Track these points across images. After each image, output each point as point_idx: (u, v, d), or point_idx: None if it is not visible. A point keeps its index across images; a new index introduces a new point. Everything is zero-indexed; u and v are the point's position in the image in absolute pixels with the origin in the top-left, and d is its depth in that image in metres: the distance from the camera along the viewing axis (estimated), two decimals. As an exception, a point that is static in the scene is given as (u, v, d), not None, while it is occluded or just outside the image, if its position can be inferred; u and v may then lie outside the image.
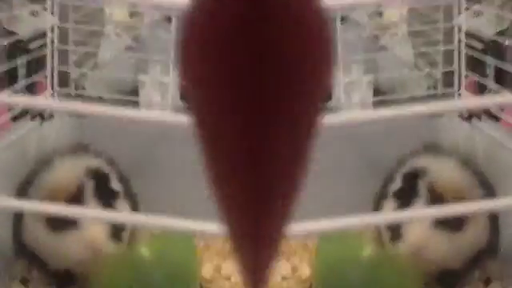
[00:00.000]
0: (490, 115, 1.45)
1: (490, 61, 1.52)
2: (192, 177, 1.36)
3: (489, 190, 1.21)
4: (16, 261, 1.23)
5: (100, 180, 1.18)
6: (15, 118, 1.40)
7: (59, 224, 1.14)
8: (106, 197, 1.18)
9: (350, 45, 1.57)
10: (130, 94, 1.51)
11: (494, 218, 1.21)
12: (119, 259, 1.15)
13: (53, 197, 1.15)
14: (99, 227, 1.14)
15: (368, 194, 1.24)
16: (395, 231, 1.16)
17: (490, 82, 1.53)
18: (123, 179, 1.26)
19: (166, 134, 1.45)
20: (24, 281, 1.24)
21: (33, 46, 1.52)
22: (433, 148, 1.29)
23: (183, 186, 1.31)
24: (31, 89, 1.49)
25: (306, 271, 1.25)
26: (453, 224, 1.14)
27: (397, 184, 1.20)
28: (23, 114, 1.39)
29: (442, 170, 1.18)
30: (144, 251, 1.22)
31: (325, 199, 1.27)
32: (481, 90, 1.56)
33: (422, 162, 1.23)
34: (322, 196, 1.23)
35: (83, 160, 1.24)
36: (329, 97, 1.54)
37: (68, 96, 1.49)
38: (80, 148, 1.29)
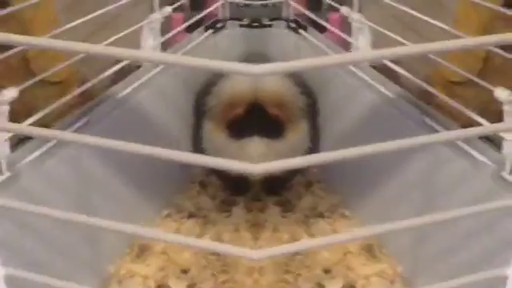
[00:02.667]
0: (317, 26, 1.43)
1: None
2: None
3: (311, 101, 1.22)
4: (195, 166, 1.27)
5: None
6: (190, 29, 1.43)
7: (240, 131, 1.16)
8: None
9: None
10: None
11: (314, 124, 1.21)
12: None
13: (233, 105, 1.16)
14: None
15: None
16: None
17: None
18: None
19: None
20: (203, 185, 1.30)
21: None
22: (260, 58, 1.28)
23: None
24: (203, 2, 1.52)
25: None
26: (272, 131, 1.13)
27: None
28: (198, 24, 1.42)
29: (264, 79, 1.15)
30: None
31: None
32: (313, 3, 1.55)
33: None
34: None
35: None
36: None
37: (237, 7, 1.51)
38: (253, 57, 1.31)
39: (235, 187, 1.26)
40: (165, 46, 1.34)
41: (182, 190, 1.30)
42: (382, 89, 1.17)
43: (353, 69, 1.24)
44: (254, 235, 1.15)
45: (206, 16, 1.52)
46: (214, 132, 1.23)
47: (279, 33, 1.46)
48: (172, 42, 1.38)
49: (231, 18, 1.49)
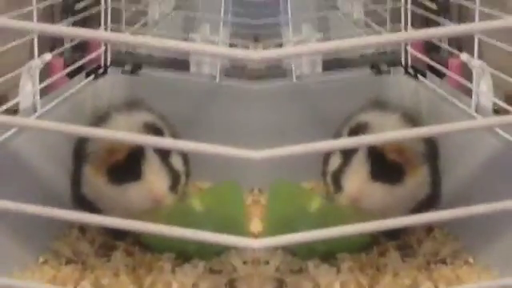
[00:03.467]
0: (435, 72, 1.49)
1: (443, 21, 1.59)
2: (239, 136, 1.40)
3: (431, 145, 1.21)
4: (74, 210, 1.26)
5: (156, 135, 1.18)
6: (71, 75, 1.44)
7: (120, 176, 1.15)
8: (163, 152, 1.18)
9: (301, 3, 1.59)
10: (180, 53, 1.55)
11: (434, 169, 1.22)
12: (172, 211, 1.18)
13: (113, 151, 1.17)
14: (161, 179, 1.15)
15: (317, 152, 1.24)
16: (336, 183, 1.15)
17: (442, 43, 1.58)
18: (175, 136, 1.29)
19: (215, 92, 1.49)
20: (82, 230, 1.29)
21: (79, 6, 1.56)
22: (378, 104, 1.29)
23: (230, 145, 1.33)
24: (84, 47, 1.53)
25: (257, 226, 1.27)
26: (391, 176, 1.14)
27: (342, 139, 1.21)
28: (78, 70, 1.43)
29: (384, 125, 1.18)
30: (195, 204, 1.25)
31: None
32: (431, 49, 1.62)
33: (366, 117, 1.21)
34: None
35: (139, 115, 1.25)
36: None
37: (119, 54, 1.53)
38: (135, 104, 1.32)
39: (115, 231, 1.27)
40: (45, 92, 1.34)
41: (59, 236, 1.27)
42: (506, 134, 1.15)
43: (474, 113, 1.24)
44: (134, 279, 1.16)
45: (88, 62, 1.53)
46: (93, 177, 1.22)
47: (397, 79, 1.50)
48: (52, 88, 1.38)
49: (113, 64, 1.52)
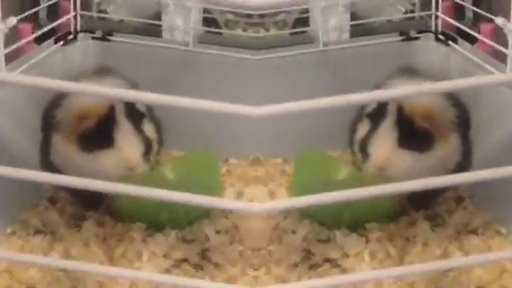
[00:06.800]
0: (466, 38, 1.45)
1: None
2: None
3: (462, 113, 1.19)
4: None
5: (128, 103, 1.14)
6: (39, 41, 1.40)
7: (92, 144, 1.12)
8: (135, 118, 1.16)
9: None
10: (153, 18, 1.51)
11: (465, 138, 1.20)
12: (144, 180, 1.15)
13: (84, 117, 1.15)
14: (135, 147, 1.13)
15: (345, 118, 1.22)
16: (363, 151, 1.14)
17: (469, 6, 1.55)
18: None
19: (187, 59, 1.45)
20: (51, 200, 1.26)
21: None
22: (408, 70, 1.27)
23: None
24: (54, 13, 1.49)
25: (283, 195, 1.26)
26: (420, 144, 1.13)
27: (371, 106, 1.18)
28: (48, 36, 1.39)
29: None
30: (168, 173, 1.22)
31: (303, 124, 1.26)
32: (459, 13, 1.59)
33: (395, 83, 1.19)
34: (300, 121, 1.24)
35: (110, 82, 1.23)
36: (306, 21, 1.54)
37: (90, 20, 1.49)
38: (105, 71, 1.29)
39: (85, 201, 1.24)
40: (12, 58, 1.30)
41: (28, 206, 1.25)
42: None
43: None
44: (105, 250, 1.13)
45: (58, 27, 1.49)
46: (63, 145, 1.19)
47: (427, 46, 1.46)
48: (19, 54, 1.34)
49: (83, 30, 1.47)
